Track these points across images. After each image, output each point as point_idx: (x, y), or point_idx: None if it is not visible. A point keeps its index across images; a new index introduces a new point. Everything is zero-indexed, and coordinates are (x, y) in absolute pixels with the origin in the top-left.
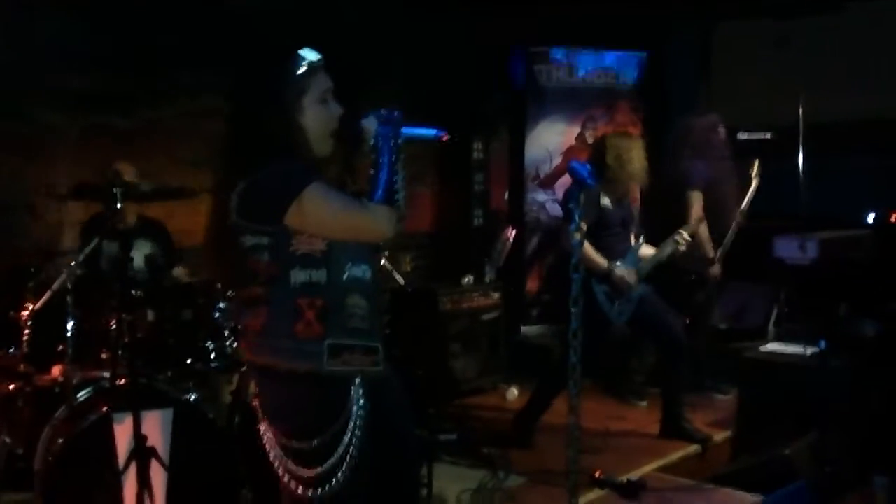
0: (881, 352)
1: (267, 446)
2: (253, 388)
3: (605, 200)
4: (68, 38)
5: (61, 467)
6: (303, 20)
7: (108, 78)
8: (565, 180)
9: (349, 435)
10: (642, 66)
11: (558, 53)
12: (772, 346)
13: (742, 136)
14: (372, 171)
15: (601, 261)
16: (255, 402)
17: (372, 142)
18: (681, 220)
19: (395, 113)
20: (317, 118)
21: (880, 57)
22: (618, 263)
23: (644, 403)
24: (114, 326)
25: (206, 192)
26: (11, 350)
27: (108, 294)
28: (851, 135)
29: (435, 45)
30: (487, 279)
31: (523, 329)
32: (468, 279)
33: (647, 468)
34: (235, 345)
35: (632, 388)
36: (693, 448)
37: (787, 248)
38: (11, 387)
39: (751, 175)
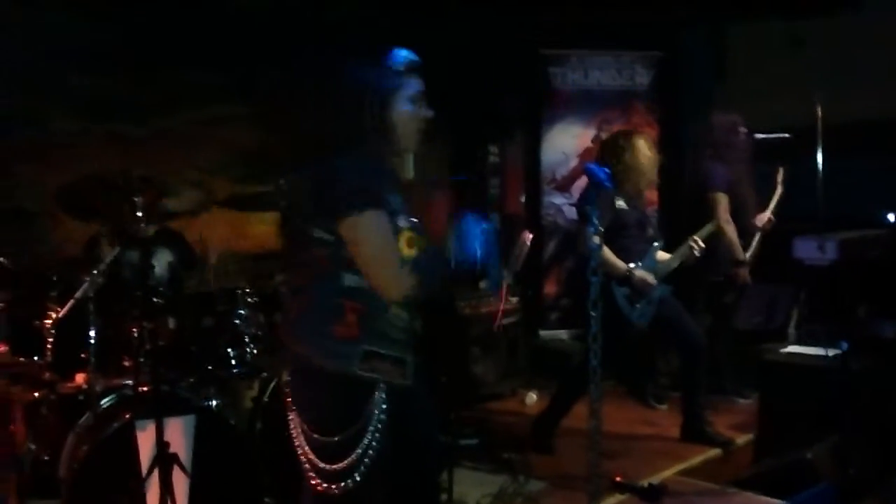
0: None
1: (293, 434)
2: (285, 375)
3: (620, 202)
4: (85, 46)
5: (86, 474)
6: (317, 24)
7: (122, 85)
8: (582, 183)
9: (369, 436)
10: (657, 67)
11: (573, 56)
12: (792, 349)
13: (760, 136)
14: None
15: (620, 263)
16: (287, 390)
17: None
18: (702, 222)
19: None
20: (406, 119)
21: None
22: (638, 265)
23: (664, 407)
24: (136, 334)
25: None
26: (36, 358)
27: (129, 302)
28: (868, 135)
29: (450, 48)
30: (505, 283)
31: (542, 333)
32: (486, 283)
33: (668, 472)
34: (256, 351)
35: (653, 392)
36: (714, 451)
37: (807, 249)
38: (36, 394)
39: (776, 181)
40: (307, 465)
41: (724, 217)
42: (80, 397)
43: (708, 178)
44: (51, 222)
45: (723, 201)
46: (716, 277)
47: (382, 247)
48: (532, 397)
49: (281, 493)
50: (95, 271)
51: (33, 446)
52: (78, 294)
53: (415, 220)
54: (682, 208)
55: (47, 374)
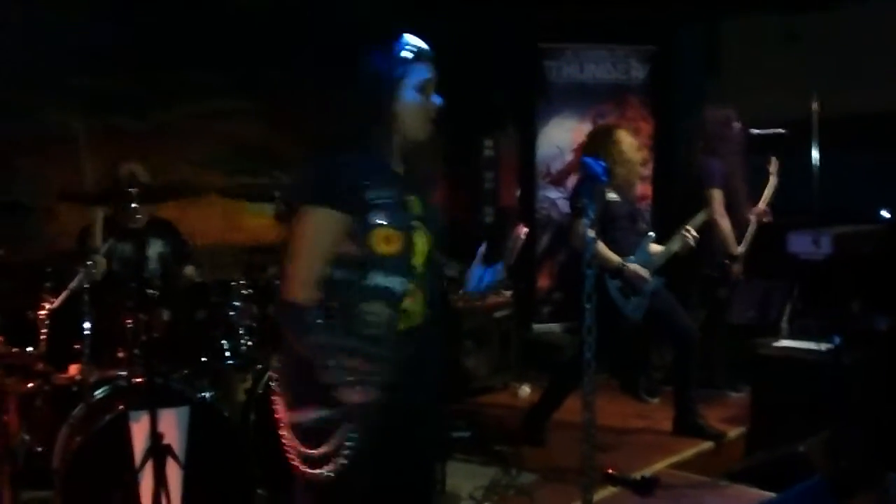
0: (895, 347)
1: (278, 418)
2: (274, 360)
3: (612, 195)
4: (81, 40)
5: (79, 465)
6: (313, 19)
7: (120, 79)
8: (577, 176)
9: (350, 420)
10: (652, 62)
11: (568, 50)
12: (785, 343)
13: (755, 131)
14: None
15: (613, 256)
16: (273, 377)
17: None
18: (688, 220)
19: None
20: (411, 107)
21: (891, 50)
22: (631, 258)
23: (656, 400)
24: (130, 326)
25: (214, 191)
26: (30, 349)
27: (123, 294)
28: (863, 129)
29: (445, 42)
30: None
31: (535, 327)
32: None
33: (660, 465)
34: (250, 343)
35: (646, 385)
36: (707, 445)
37: (801, 244)
38: (30, 385)
39: (769, 172)
40: (290, 450)
41: (719, 211)
42: (74, 388)
43: (702, 173)
44: (46, 215)
45: (717, 196)
46: (710, 272)
47: (308, 246)
48: (525, 390)
49: (274, 484)
50: (90, 262)
51: (27, 437)
52: (72, 285)
53: (413, 216)
54: (676, 202)
55: (41, 366)
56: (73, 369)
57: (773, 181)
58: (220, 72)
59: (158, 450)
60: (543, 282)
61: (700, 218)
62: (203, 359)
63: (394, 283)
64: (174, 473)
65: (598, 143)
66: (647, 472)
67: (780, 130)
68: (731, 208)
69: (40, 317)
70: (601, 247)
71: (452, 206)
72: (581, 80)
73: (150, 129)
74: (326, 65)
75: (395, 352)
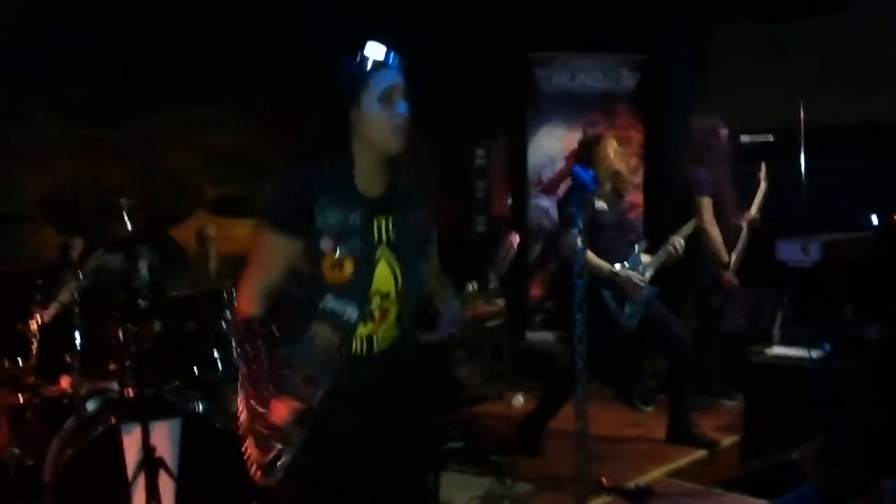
0: (885, 354)
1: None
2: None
3: (600, 203)
4: (64, 50)
5: (70, 479)
6: (298, 27)
7: (103, 89)
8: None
9: (288, 432)
10: (642, 70)
11: (559, 59)
12: (777, 350)
13: (744, 138)
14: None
15: (604, 264)
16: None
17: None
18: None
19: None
20: (374, 118)
21: (878, 59)
22: (625, 264)
23: (650, 409)
24: (120, 337)
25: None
26: (20, 362)
27: (113, 306)
28: (851, 137)
29: (437, 50)
30: (491, 286)
31: (528, 335)
32: (471, 286)
33: (654, 473)
34: None
35: (640, 394)
36: (701, 453)
37: (790, 251)
38: (20, 398)
39: (759, 178)
40: (246, 456)
41: (708, 219)
42: (65, 401)
43: (690, 182)
44: (30, 227)
45: (706, 204)
46: (702, 280)
47: (257, 262)
48: (519, 400)
49: (267, 497)
50: (81, 275)
51: (17, 450)
52: (62, 297)
53: (374, 242)
54: (666, 211)
55: (32, 378)
56: (64, 382)
57: (763, 187)
58: (203, 82)
59: (151, 462)
60: (536, 290)
61: (689, 227)
62: (194, 370)
63: (345, 309)
64: (167, 486)
65: (588, 152)
66: (642, 480)
67: (768, 138)
68: (720, 216)
69: (31, 329)
70: (591, 256)
71: (444, 215)
72: (571, 88)
73: (133, 138)
74: (311, 74)
75: (345, 377)
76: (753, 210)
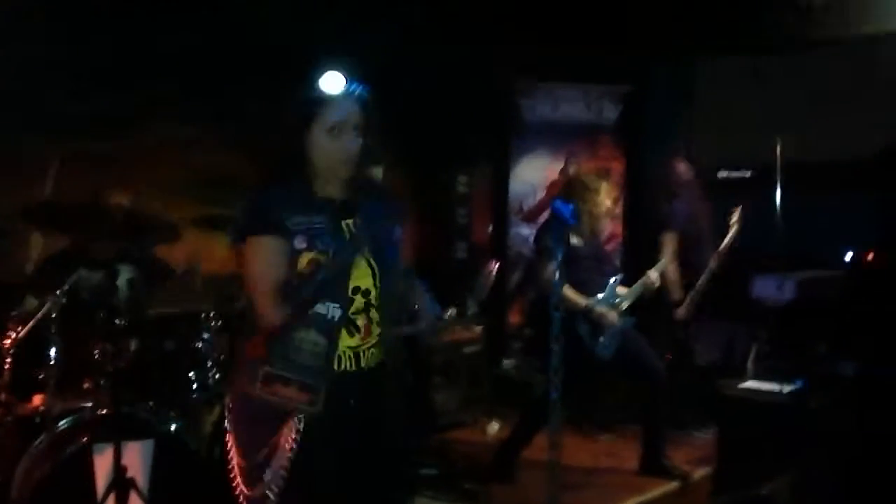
0: (859, 392)
1: (229, 457)
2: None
3: (574, 239)
4: (54, 63)
5: (39, 498)
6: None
7: (93, 104)
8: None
9: (276, 463)
10: (625, 102)
11: (542, 89)
12: (750, 384)
13: (722, 174)
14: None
15: (579, 298)
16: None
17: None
18: (656, 261)
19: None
20: (322, 149)
21: (858, 96)
22: (599, 297)
23: (609, 437)
24: (96, 356)
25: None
26: None
27: (90, 323)
28: (829, 173)
29: (420, 79)
30: (469, 312)
31: (505, 362)
32: (450, 312)
33: None
34: (218, 376)
35: (598, 422)
36: (673, 485)
37: (766, 289)
38: None
39: (730, 222)
40: (235, 486)
41: (668, 256)
42: (37, 419)
43: (661, 216)
44: (14, 241)
45: (669, 240)
46: (666, 314)
47: (259, 272)
48: (494, 426)
49: None
50: (58, 292)
51: None
52: (39, 314)
53: (347, 242)
54: (645, 243)
55: (3, 395)
56: (38, 399)
57: (734, 229)
58: (193, 100)
59: (121, 483)
60: (514, 318)
61: (662, 264)
62: (170, 391)
63: (329, 309)
64: None
65: (577, 188)
66: None
67: (747, 173)
68: (693, 251)
69: (4, 345)
70: (567, 290)
71: (425, 240)
72: (554, 119)
73: (121, 154)
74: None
75: (338, 388)
76: (721, 249)
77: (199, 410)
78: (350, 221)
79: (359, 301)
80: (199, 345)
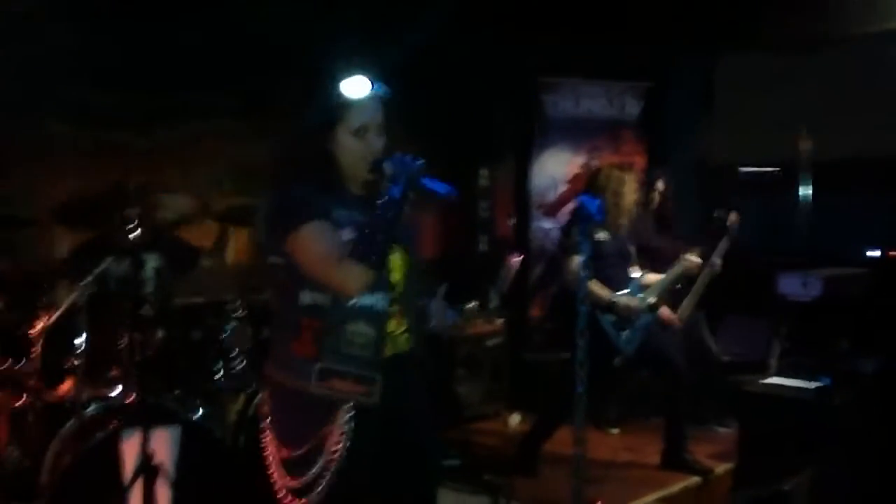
0: (882, 388)
1: (266, 453)
2: (262, 396)
3: (600, 234)
4: (85, 55)
5: (68, 482)
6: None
7: (123, 96)
8: (570, 208)
9: (328, 455)
10: (647, 98)
11: (565, 84)
12: (773, 380)
13: (747, 170)
14: (369, 219)
15: (603, 292)
16: (261, 411)
17: (385, 187)
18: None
19: (417, 162)
20: (348, 150)
21: (882, 94)
22: (626, 291)
23: (617, 431)
24: (124, 344)
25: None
26: (23, 364)
27: (118, 312)
28: (854, 170)
29: (442, 73)
30: (492, 305)
31: (527, 356)
32: (473, 305)
33: (647, 499)
34: (243, 365)
35: (607, 416)
36: (694, 480)
37: (791, 285)
38: (22, 400)
39: (725, 226)
40: (276, 481)
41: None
42: (66, 405)
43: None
44: (40, 230)
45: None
46: None
47: (325, 247)
48: (515, 419)
49: None
50: (86, 281)
51: (16, 452)
52: (67, 302)
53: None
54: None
55: (34, 381)
56: (66, 386)
57: (728, 235)
58: (224, 92)
59: (148, 469)
60: (536, 311)
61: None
62: (196, 379)
63: (375, 300)
64: (164, 494)
65: (601, 182)
66: None
67: (772, 170)
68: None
69: (34, 332)
70: (593, 284)
71: (448, 233)
72: (577, 114)
73: (151, 146)
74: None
75: (383, 375)
76: (714, 256)
77: (224, 399)
78: None
79: (397, 290)
80: (225, 334)
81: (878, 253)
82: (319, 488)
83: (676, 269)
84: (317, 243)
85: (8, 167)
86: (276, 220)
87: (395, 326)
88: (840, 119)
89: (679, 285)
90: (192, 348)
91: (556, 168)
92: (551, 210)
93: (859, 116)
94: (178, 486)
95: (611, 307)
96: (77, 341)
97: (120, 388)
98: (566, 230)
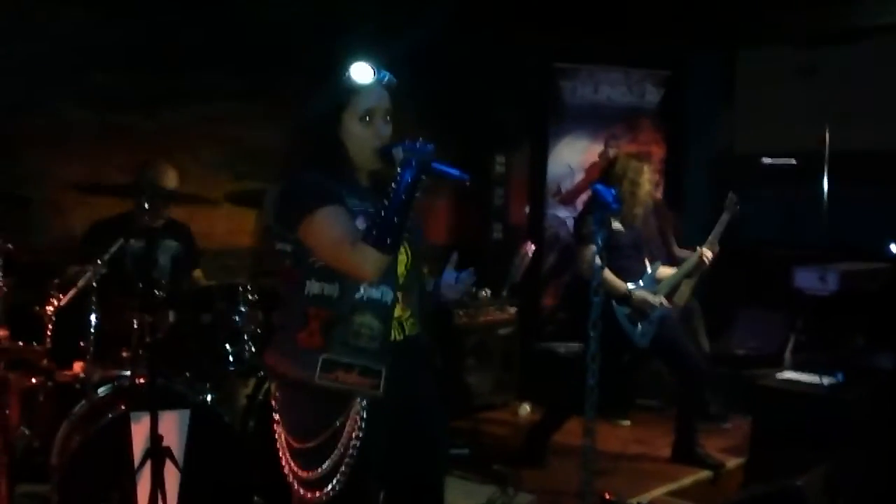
0: None
1: (277, 441)
2: (274, 386)
3: (616, 224)
4: (96, 37)
5: (78, 463)
6: (330, 31)
7: (133, 77)
8: (586, 198)
9: (342, 447)
10: (667, 86)
11: (584, 70)
12: (788, 374)
13: (766, 161)
14: (382, 203)
15: (620, 283)
16: (272, 401)
17: (396, 172)
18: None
19: (428, 146)
20: (355, 136)
21: None
22: (640, 283)
23: (627, 422)
24: (135, 326)
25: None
26: (34, 344)
27: (131, 294)
28: (875, 165)
29: (460, 59)
30: (504, 294)
31: (538, 345)
32: (485, 293)
33: (657, 492)
34: (254, 349)
35: (616, 408)
36: (705, 474)
37: (808, 280)
38: (33, 381)
39: (722, 206)
40: (287, 472)
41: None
42: (77, 386)
43: None
44: (54, 211)
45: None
46: None
47: (340, 231)
48: (525, 409)
49: (271, 493)
50: (99, 261)
51: (27, 432)
52: (80, 283)
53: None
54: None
55: (45, 362)
56: (77, 367)
57: (724, 217)
58: (234, 75)
59: (157, 451)
60: (548, 300)
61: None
62: (206, 363)
63: (382, 292)
64: (172, 476)
65: (617, 172)
66: (644, 498)
67: (791, 161)
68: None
69: (47, 313)
70: (608, 274)
71: (461, 220)
72: (595, 101)
73: (161, 128)
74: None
75: (389, 365)
76: (710, 238)
77: (234, 383)
78: None
79: (403, 280)
80: (236, 318)
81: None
82: (335, 481)
83: (689, 262)
84: (332, 227)
85: (21, 148)
86: (287, 206)
87: (400, 312)
88: (861, 111)
89: (692, 278)
90: (203, 332)
91: (572, 156)
92: (568, 198)
93: (880, 108)
94: (186, 469)
95: (627, 299)
96: (89, 323)
97: (130, 369)
98: (581, 219)
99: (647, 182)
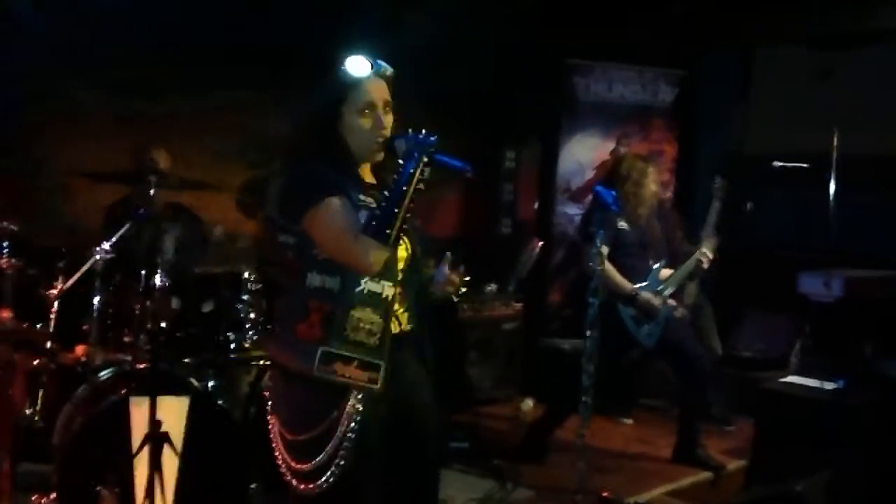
0: None
1: (271, 432)
2: (268, 377)
3: (622, 223)
4: (107, 24)
5: (78, 444)
6: (342, 22)
7: (143, 64)
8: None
9: (336, 440)
10: (680, 85)
11: (597, 68)
12: (792, 379)
13: (777, 164)
14: (383, 195)
15: (626, 283)
16: (266, 392)
17: (398, 165)
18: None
19: (431, 138)
20: (355, 129)
21: None
22: (645, 283)
23: (630, 421)
24: (138, 311)
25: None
26: (39, 326)
27: (134, 279)
28: (888, 170)
29: (472, 54)
30: (510, 289)
31: (543, 341)
32: (491, 287)
33: (656, 492)
34: (256, 337)
35: (619, 406)
36: (705, 475)
37: (812, 285)
38: (37, 362)
39: (711, 191)
40: (281, 463)
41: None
42: (79, 369)
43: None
44: (63, 194)
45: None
46: None
47: (343, 223)
48: (528, 404)
49: (268, 481)
50: (104, 245)
51: (30, 412)
52: (85, 267)
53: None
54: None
55: (49, 343)
56: (80, 350)
57: (715, 204)
58: (244, 64)
59: (156, 436)
60: (555, 297)
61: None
62: (208, 350)
63: (382, 287)
64: (170, 461)
65: (622, 172)
66: (643, 498)
67: (803, 165)
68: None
69: (51, 295)
70: (614, 273)
71: (470, 215)
72: (608, 98)
73: (172, 115)
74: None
75: (387, 360)
76: (705, 230)
77: (235, 371)
78: None
79: (403, 275)
80: (238, 306)
81: None
82: (328, 473)
83: (690, 263)
84: (336, 219)
85: (32, 132)
86: (291, 197)
87: (396, 306)
88: (873, 115)
89: (694, 278)
90: (206, 319)
91: (583, 153)
92: (578, 196)
93: (892, 113)
94: (184, 456)
95: (633, 300)
96: (93, 306)
97: (131, 354)
98: (587, 217)
99: (652, 183)
